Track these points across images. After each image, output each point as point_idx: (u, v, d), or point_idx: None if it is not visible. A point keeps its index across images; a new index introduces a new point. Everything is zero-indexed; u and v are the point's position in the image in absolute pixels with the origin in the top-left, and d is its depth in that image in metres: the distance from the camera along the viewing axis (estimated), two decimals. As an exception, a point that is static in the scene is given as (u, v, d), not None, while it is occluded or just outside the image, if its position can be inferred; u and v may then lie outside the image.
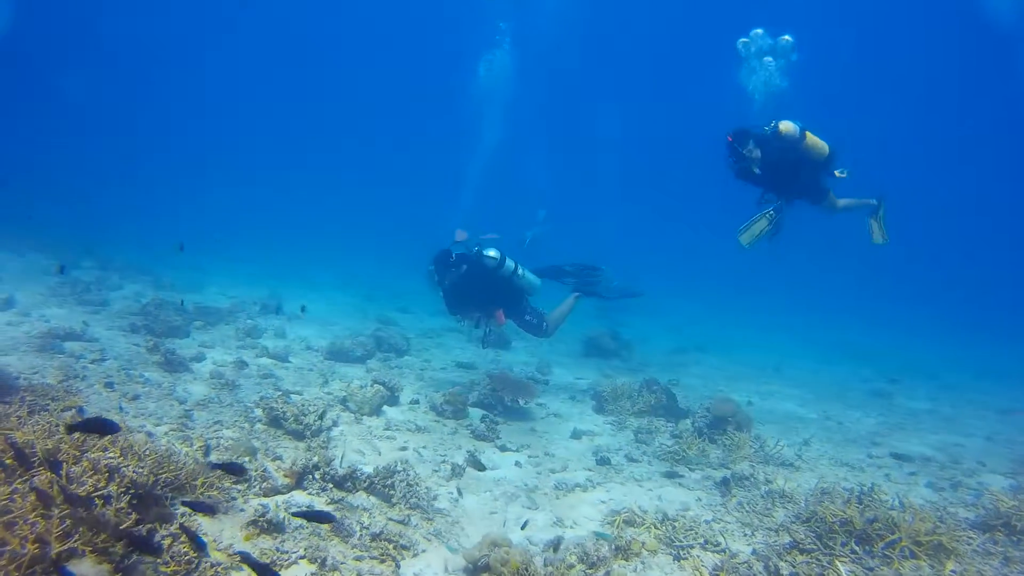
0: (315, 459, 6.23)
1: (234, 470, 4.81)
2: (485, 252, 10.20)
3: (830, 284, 44.34)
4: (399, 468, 6.46)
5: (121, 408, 7.13)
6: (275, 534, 5.20)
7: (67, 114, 50.40)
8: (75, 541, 3.60)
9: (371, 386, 9.14)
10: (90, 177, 39.38)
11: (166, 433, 7.05)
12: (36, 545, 3.52)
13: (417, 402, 9.94)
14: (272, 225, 37.50)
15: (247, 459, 6.43)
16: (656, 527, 6.49)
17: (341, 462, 6.58)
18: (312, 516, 4.93)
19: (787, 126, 8.87)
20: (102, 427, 4.09)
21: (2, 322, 10.43)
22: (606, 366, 15.10)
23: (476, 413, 9.82)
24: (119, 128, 54.31)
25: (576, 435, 9.55)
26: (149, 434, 6.76)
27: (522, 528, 6.28)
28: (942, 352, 24.58)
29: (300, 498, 5.97)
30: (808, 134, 9.01)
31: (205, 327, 12.60)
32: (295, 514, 4.75)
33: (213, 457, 6.39)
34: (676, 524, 6.51)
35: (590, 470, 8.21)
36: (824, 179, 9.65)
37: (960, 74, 40.31)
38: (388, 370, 11.47)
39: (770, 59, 11.98)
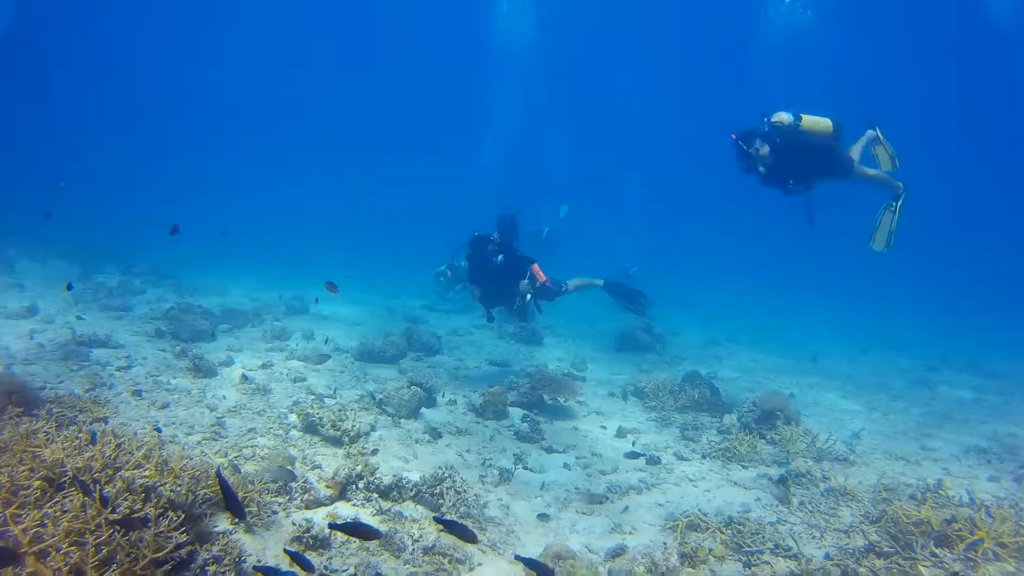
0: (358, 468, 5.88)
1: (361, 532, 4.33)
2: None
3: (855, 272, 43.65)
4: (446, 475, 6.10)
5: (157, 428, 6.77)
6: (321, 550, 4.85)
7: (73, 117, 50.39)
8: (113, 571, 3.24)
9: (408, 388, 8.77)
10: (104, 181, 39.25)
11: (199, 443, 6.73)
12: (71, 577, 3.18)
13: (455, 403, 9.58)
14: (291, 228, 37.25)
15: (287, 466, 6.08)
16: (721, 531, 6.11)
17: (383, 470, 6.23)
18: (354, 530, 4.45)
19: (780, 117, 8.73)
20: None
21: (26, 330, 10.15)
22: (641, 360, 14.67)
23: (516, 413, 9.45)
24: (135, 133, 54.28)
25: (620, 433, 9.17)
26: (181, 444, 6.45)
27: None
28: (979, 338, 23.97)
29: (345, 510, 5.62)
30: (804, 117, 8.80)
31: (231, 330, 12.30)
32: (334, 527, 4.19)
33: (249, 468, 6.04)
34: (742, 528, 6.12)
35: (641, 471, 7.83)
36: (841, 152, 9.25)
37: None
38: (422, 370, 11.08)
39: None
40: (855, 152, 9.46)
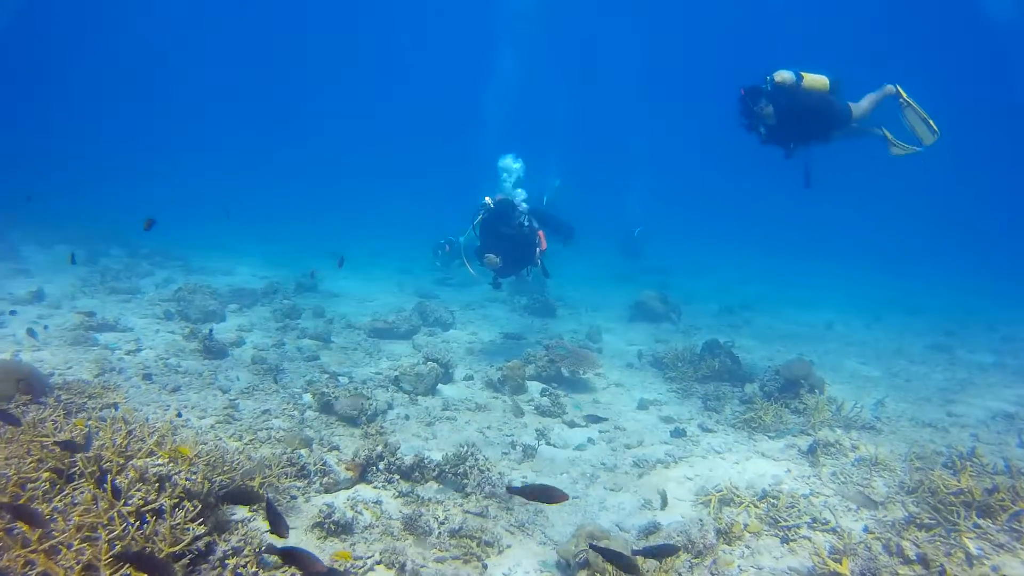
0: (378, 448, 5.67)
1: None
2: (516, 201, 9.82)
3: (866, 238, 43.38)
4: (468, 453, 5.89)
5: (180, 414, 6.57)
6: (344, 536, 4.66)
7: (72, 104, 50.18)
8: (127, 567, 3.03)
9: (424, 364, 8.55)
10: (104, 165, 39.16)
11: (212, 426, 6.53)
12: (85, 574, 2.97)
13: (471, 378, 9.37)
14: (298, 206, 37.04)
15: (303, 451, 5.87)
16: (755, 505, 5.90)
17: (403, 450, 6.02)
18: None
19: (782, 76, 8.65)
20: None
21: (33, 316, 9.95)
22: (656, 330, 14.45)
23: (535, 387, 9.24)
24: (134, 116, 54.04)
25: (643, 405, 8.95)
26: (195, 429, 6.26)
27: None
28: (991, 303, 23.81)
29: (366, 492, 5.42)
30: (804, 75, 8.75)
31: (241, 310, 12.10)
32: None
33: (264, 451, 5.83)
34: (776, 501, 5.91)
35: (667, 443, 7.62)
36: (839, 104, 9.08)
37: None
38: (436, 345, 10.88)
39: None
40: (861, 103, 9.28)
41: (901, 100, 9.16)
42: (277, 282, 14.86)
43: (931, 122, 9.09)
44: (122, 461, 3.80)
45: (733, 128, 9.19)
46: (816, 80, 8.83)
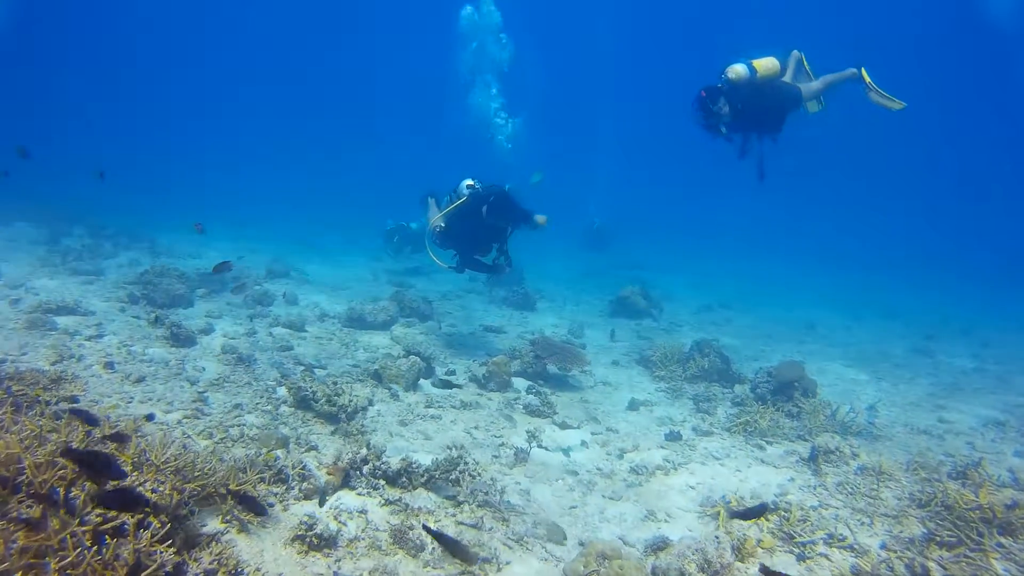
0: (362, 451, 5.19)
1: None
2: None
3: (837, 238, 43.63)
4: (459, 457, 5.44)
5: (151, 417, 6.00)
6: (327, 550, 4.19)
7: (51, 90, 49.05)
8: (80, 601, 2.55)
9: (406, 357, 8.08)
10: (78, 149, 38.08)
11: (179, 421, 6.00)
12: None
13: (454, 372, 8.92)
14: (268, 191, 36.27)
15: (280, 452, 5.38)
16: (766, 519, 5.51)
17: (387, 450, 5.56)
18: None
19: (736, 71, 8.58)
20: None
21: (-14, 296, 9.34)
22: (637, 326, 14.10)
23: (521, 384, 8.82)
24: (112, 103, 52.90)
25: (633, 406, 8.57)
26: (153, 419, 5.75)
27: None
28: (965, 306, 23.95)
29: (349, 500, 4.94)
30: (756, 64, 8.66)
31: (210, 295, 11.51)
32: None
33: (237, 451, 5.33)
34: (787, 514, 5.54)
35: (663, 448, 7.23)
36: (789, 87, 9.05)
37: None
38: (414, 337, 10.42)
39: None
40: (813, 84, 9.27)
41: (865, 83, 9.17)
42: (247, 267, 14.28)
43: (896, 100, 9.15)
44: (78, 468, 3.29)
45: (694, 126, 8.98)
46: (767, 66, 8.75)
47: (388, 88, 57.00)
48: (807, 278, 28.26)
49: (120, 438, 3.62)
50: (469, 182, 9.16)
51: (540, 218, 8.84)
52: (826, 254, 37.56)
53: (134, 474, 3.34)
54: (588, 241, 24.79)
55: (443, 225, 9.39)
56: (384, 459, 5.24)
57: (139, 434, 4.24)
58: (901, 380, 11.74)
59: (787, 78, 9.22)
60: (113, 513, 2.99)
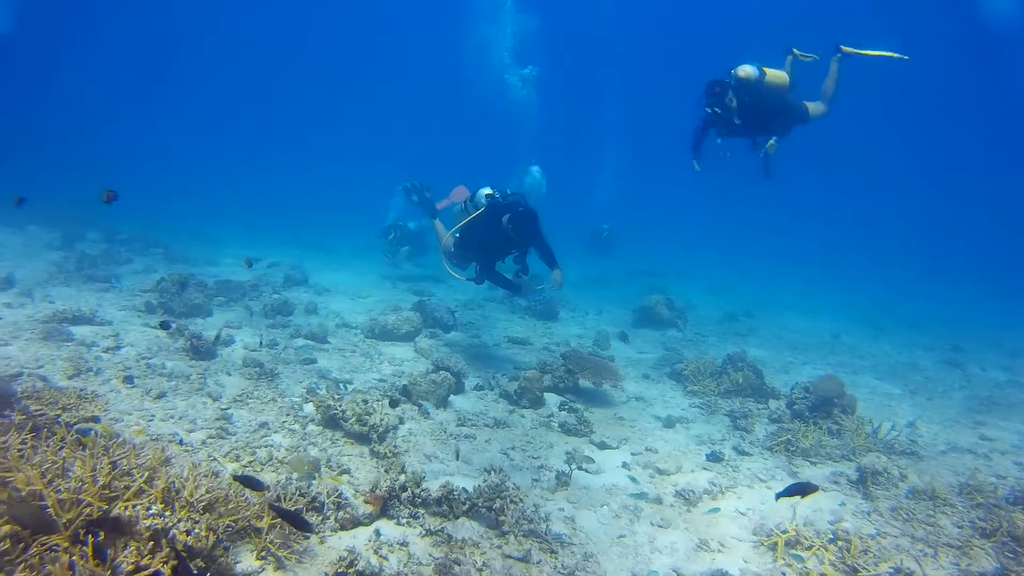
0: (401, 478, 4.88)
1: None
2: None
3: (849, 246, 43.26)
4: (501, 483, 5.12)
5: (179, 440, 5.69)
6: (369, 589, 3.87)
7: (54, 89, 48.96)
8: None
9: (436, 373, 7.76)
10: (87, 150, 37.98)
11: (204, 442, 5.70)
12: None
13: (482, 388, 8.60)
14: (283, 194, 36.12)
15: (312, 476, 5.08)
16: (825, 549, 5.18)
17: (422, 472, 5.24)
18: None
19: (745, 71, 8.80)
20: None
21: (0, 304, 9.06)
22: (663, 337, 13.77)
23: (552, 399, 8.49)
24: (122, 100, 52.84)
25: (669, 423, 8.23)
26: (183, 443, 5.45)
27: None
28: (988, 315, 23.63)
29: (389, 531, 4.63)
30: (767, 71, 8.93)
31: (228, 304, 11.24)
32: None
33: (267, 476, 5.02)
34: (848, 544, 5.20)
35: (707, 469, 6.89)
36: (796, 104, 9.40)
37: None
38: (440, 349, 10.12)
39: None
40: (819, 104, 9.56)
41: (851, 53, 9.41)
42: (264, 274, 14.01)
43: (888, 55, 9.39)
44: (105, 506, 2.99)
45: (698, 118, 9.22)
46: (777, 75, 8.97)
47: (402, 88, 56.77)
48: (822, 281, 28.14)
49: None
50: (487, 191, 8.91)
51: (556, 275, 8.84)
52: (837, 255, 37.35)
53: (166, 513, 3.03)
54: (595, 246, 24.40)
55: (458, 235, 9.16)
56: (423, 486, 4.92)
57: (166, 459, 3.93)
58: (935, 394, 11.38)
59: (822, 107, 9.52)
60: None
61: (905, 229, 48.64)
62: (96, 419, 5.07)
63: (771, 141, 9.21)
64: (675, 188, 51.72)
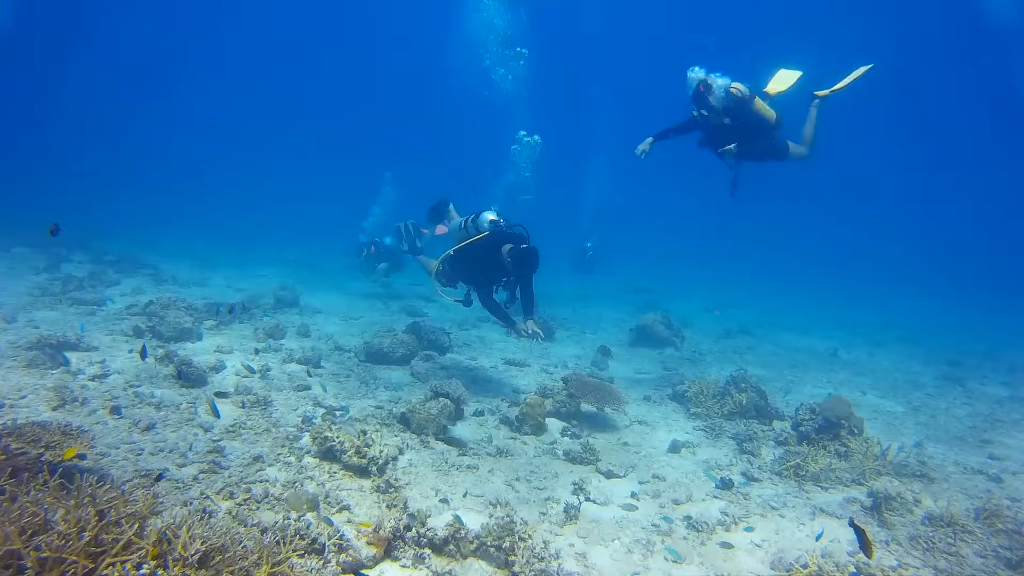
0: (405, 518, 4.62)
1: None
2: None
3: (842, 261, 43.43)
4: (508, 519, 4.87)
5: (164, 474, 5.41)
6: (375, 642, 3.62)
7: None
8: None
9: (435, 400, 7.50)
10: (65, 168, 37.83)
11: (195, 477, 5.43)
12: None
13: (482, 414, 8.35)
14: (273, 210, 35.91)
15: (311, 516, 4.82)
16: (852, 587, 4.96)
17: (420, 507, 4.98)
18: None
19: (738, 87, 9.11)
20: None
21: (-18, 330, 8.79)
22: (661, 356, 13.59)
23: (554, 424, 8.26)
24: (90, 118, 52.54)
25: (674, 448, 8.00)
26: (172, 479, 5.18)
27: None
28: (982, 328, 23.74)
29: (394, 574, 4.37)
30: (757, 99, 9.30)
31: (218, 327, 10.96)
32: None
33: (264, 516, 4.76)
34: (872, 580, 4.98)
35: (717, 497, 6.66)
36: (780, 140, 9.90)
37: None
38: (436, 373, 9.88)
39: None
40: (800, 147, 10.07)
41: (827, 95, 10.02)
42: (255, 295, 13.74)
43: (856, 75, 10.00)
44: (90, 565, 2.73)
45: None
46: (765, 107, 9.38)
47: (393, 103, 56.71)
48: (816, 296, 28.36)
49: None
50: (492, 216, 8.71)
51: (530, 324, 8.72)
52: (830, 270, 37.43)
53: (158, 572, 2.77)
54: (579, 265, 24.13)
55: (451, 254, 8.97)
56: (429, 524, 4.67)
57: (156, 503, 3.67)
58: (938, 411, 11.20)
59: (803, 150, 10.05)
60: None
61: (898, 243, 48.91)
62: (83, 457, 4.80)
63: (731, 146, 9.49)
64: (667, 204, 51.80)
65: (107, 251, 17.09)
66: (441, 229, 9.93)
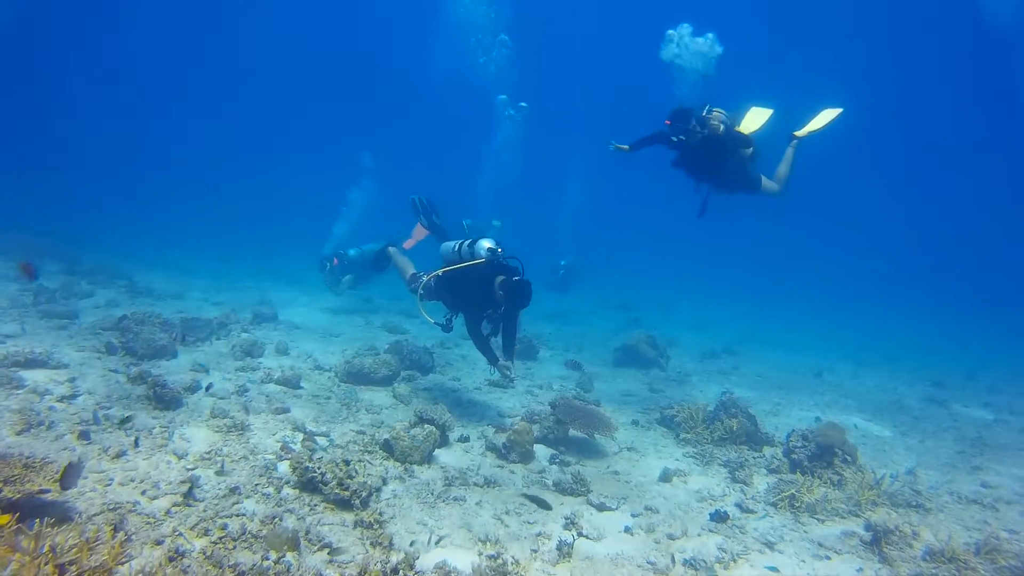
0: (393, 559, 4.35)
1: None
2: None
3: (822, 278, 43.69)
4: (502, 562, 4.61)
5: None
6: None
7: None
8: None
9: (420, 427, 7.22)
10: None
11: (168, 512, 5.12)
12: None
13: (468, 440, 8.08)
14: (255, 223, 35.50)
15: (290, 555, 4.53)
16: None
17: (404, 544, 4.71)
18: None
19: (717, 115, 9.11)
20: None
21: (-55, 346, 8.42)
22: (646, 377, 13.40)
23: (542, 451, 8.01)
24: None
25: (665, 476, 7.76)
26: (143, 512, 4.87)
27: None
28: (958, 345, 24.23)
29: (380, 625, 4.09)
30: (736, 128, 9.40)
31: (195, 344, 10.63)
32: None
33: (241, 556, 4.47)
34: (879, 626, 4.76)
35: (713, 532, 6.42)
36: (753, 172, 10.00)
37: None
38: (418, 393, 9.61)
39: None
40: (772, 183, 10.24)
41: (805, 135, 10.29)
42: (233, 309, 13.40)
43: (827, 121, 10.28)
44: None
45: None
46: (743, 135, 9.48)
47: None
48: (798, 314, 28.56)
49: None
50: (489, 244, 8.50)
51: (507, 366, 8.68)
52: (811, 288, 37.61)
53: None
54: (551, 282, 23.74)
55: (439, 274, 8.76)
56: (417, 567, 4.39)
57: (123, 553, 3.38)
58: (926, 435, 11.10)
59: (776, 186, 10.25)
60: None
61: (878, 257, 49.21)
62: (46, 491, 4.49)
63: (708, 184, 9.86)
64: (643, 220, 51.79)
65: (81, 260, 16.68)
66: (420, 231, 9.80)
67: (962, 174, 48.20)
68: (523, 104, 21.80)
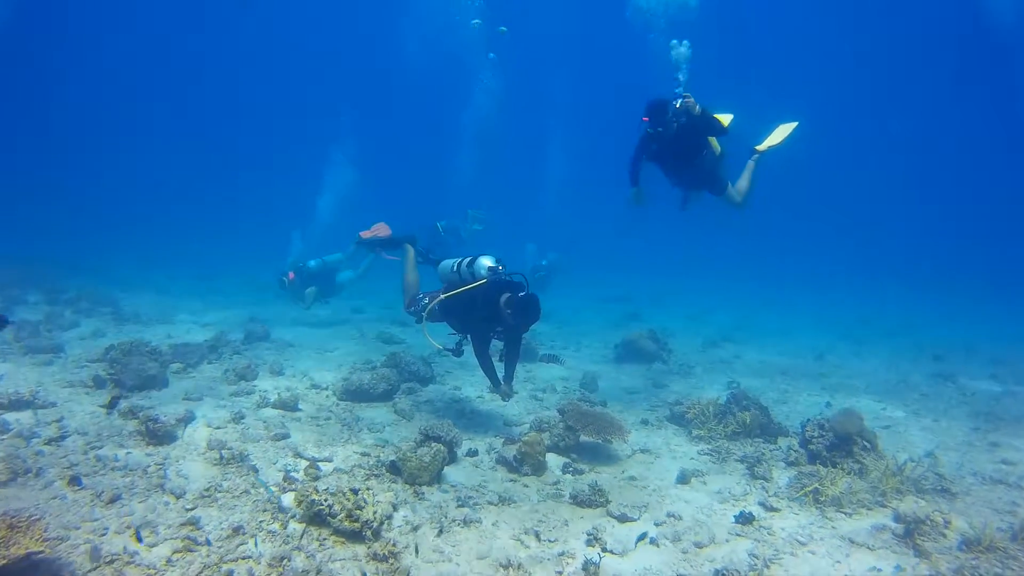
0: (412, 601, 4.05)
1: None
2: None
3: (810, 257, 43.76)
4: (527, 589, 4.32)
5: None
6: None
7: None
8: None
9: (427, 445, 6.91)
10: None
11: (169, 560, 4.80)
12: None
13: (476, 453, 7.79)
14: (240, 237, 35.18)
15: (302, 602, 4.23)
16: (907, 641, 4.47)
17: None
18: None
19: (690, 101, 8.90)
20: None
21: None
22: (649, 371, 13.15)
23: (554, 461, 7.72)
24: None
25: (683, 478, 7.48)
26: (144, 564, 4.56)
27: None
28: (952, 318, 24.37)
29: (404, 674, 3.79)
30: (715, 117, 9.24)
31: (185, 371, 10.31)
32: None
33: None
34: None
35: (741, 536, 6.13)
36: (721, 173, 10.00)
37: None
38: (420, 408, 9.33)
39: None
40: (736, 188, 10.21)
41: (766, 149, 10.27)
42: (223, 331, 13.06)
43: (785, 135, 10.25)
44: None
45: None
46: (713, 142, 9.56)
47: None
48: (791, 296, 29.00)
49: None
50: (489, 263, 8.23)
51: (506, 388, 8.61)
52: (801, 268, 37.67)
53: None
54: (535, 281, 23.13)
55: (442, 298, 8.50)
56: (438, 606, 4.10)
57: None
58: (938, 414, 10.91)
59: (741, 188, 10.25)
60: None
61: (863, 236, 49.27)
62: (33, 554, 4.16)
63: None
64: (627, 213, 51.54)
65: (64, 289, 16.29)
66: (382, 228, 9.66)
67: (945, 163, 48.42)
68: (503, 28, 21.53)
